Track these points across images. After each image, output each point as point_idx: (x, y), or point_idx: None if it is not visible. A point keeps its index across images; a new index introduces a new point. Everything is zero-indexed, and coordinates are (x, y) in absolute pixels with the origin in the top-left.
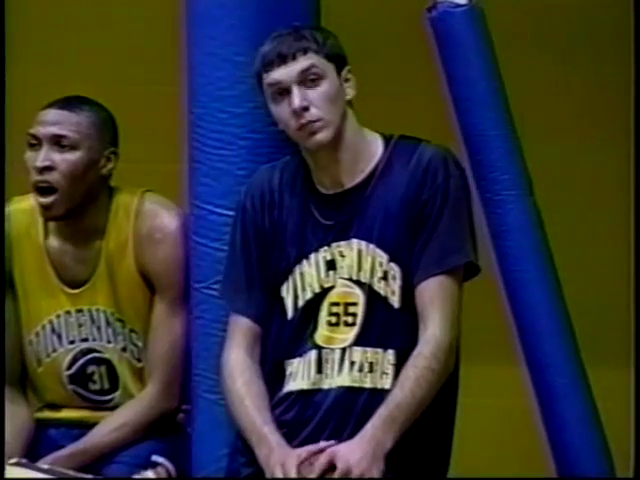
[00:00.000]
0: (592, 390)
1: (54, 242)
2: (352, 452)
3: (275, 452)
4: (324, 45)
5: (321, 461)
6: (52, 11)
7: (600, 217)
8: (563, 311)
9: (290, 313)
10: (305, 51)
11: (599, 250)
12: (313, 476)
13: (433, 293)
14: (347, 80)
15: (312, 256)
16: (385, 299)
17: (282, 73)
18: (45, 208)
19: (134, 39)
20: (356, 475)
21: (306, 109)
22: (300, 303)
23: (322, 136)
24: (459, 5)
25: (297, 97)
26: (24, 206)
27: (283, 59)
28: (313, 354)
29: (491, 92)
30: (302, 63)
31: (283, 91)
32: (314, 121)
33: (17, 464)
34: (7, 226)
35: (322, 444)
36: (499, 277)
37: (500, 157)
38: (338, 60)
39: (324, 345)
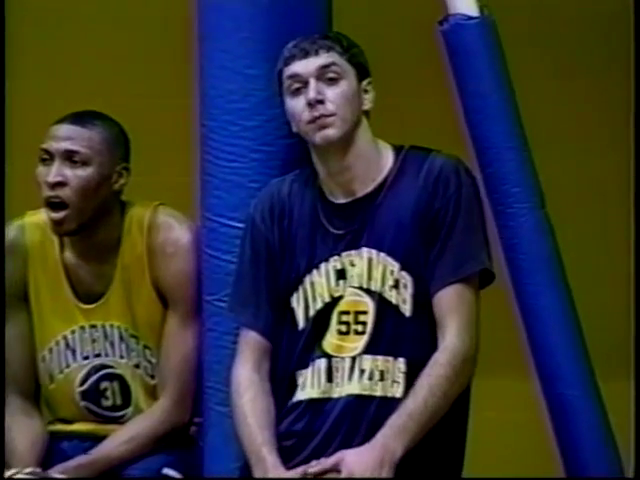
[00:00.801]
0: (604, 402)
1: (70, 257)
2: (359, 459)
3: (269, 474)
4: (348, 49)
5: (328, 462)
6: (63, 23)
7: (603, 226)
8: (575, 323)
9: (301, 323)
10: (328, 49)
11: (601, 261)
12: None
13: (450, 302)
14: (366, 91)
15: (322, 266)
16: (396, 307)
17: (302, 65)
18: (56, 223)
19: (146, 52)
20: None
21: (321, 102)
22: (311, 313)
23: (331, 132)
24: (471, 18)
25: (313, 89)
26: (37, 220)
27: (305, 53)
28: (323, 363)
29: (503, 105)
30: (323, 59)
31: (301, 85)
32: (327, 115)
33: (32, 473)
34: (21, 239)
35: (320, 463)
36: (511, 289)
37: (512, 170)
38: (360, 68)
39: (334, 354)
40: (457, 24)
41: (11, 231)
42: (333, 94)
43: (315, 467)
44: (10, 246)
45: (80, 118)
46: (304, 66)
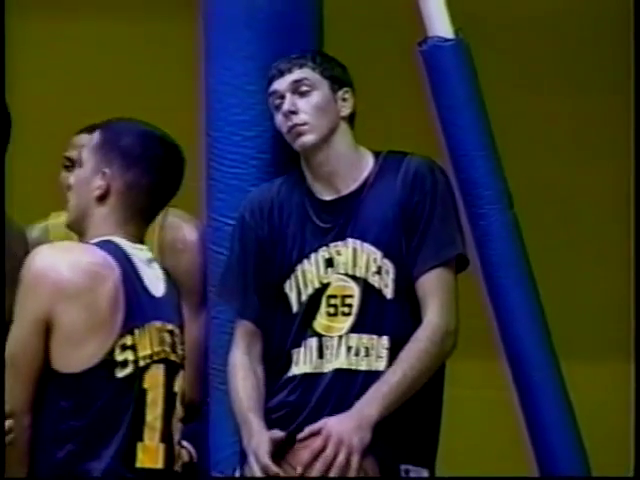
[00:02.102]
0: (565, 383)
1: None
2: (339, 423)
3: (254, 438)
4: (321, 64)
5: (313, 427)
6: (73, 32)
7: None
8: (539, 312)
9: (295, 307)
10: (301, 66)
11: (600, 251)
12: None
13: (431, 284)
14: (344, 100)
15: (312, 256)
16: (379, 291)
17: (279, 83)
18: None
19: (157, 71)
20: (336, 441)
21: (294, 112)
22: (303, 298)
23: (306, 138)
24: (447, 40)
25: (287, 102)
26: (61, 221)
27: (281, 72)
28: (314, 341)
29: (475, 118)
30: (296, 74)
31: (281, 100)
32: (300, 124)
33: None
34: (45, 239)
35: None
36: (482, 281)
37: (483, 175)
38: (334, 80)
39: (324, 333)
40: (434, 45)
41: (35, 231)
42: (305, 105)
43: (302, 434)
44: (35, 245)
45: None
46: (280, 83)
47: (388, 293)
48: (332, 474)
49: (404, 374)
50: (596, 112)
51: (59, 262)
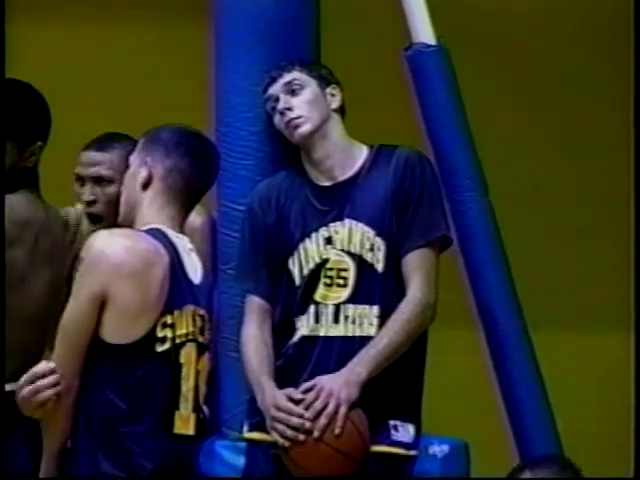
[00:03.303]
0: (535, 351)
1: None
2: (331, 379)
3: (267, 395)
4: (308, 67)
5: (308, 384)
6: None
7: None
8: (510, 286)
9: (297, 281)
10: (290, 70)
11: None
12: (299, 396)
13: (415, 261)
14: (333, 95)
15: (313, 235)
16: (371, 265)
17: (273, 88)
18: None
19: (171, 73)
20: (326, 394)
21: (289, 109)
22: (305, 272)
23: (302, 129)
24: (429, 46)
25: (282, 101)
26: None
27: (273, 78)
28: (312, 308)
29: (454, 115)
30: (286, 77)
31: (276, 102)
32: (296, 118)
33: None
34: (82, 219)
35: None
36: (461, 259)
37: (462, 166)
38: (321, 78)
39: (321, 301)
40: (418, 51)
41: (72, 213)
42: (298, 101)
43: (299, 389)
44: (75, 225)
45: (101, 144)
46: (274, 88)
47: (379, 267)
48: (321, 422)
49: (390, 340)
50: (564, 107)
51: (118, 245)
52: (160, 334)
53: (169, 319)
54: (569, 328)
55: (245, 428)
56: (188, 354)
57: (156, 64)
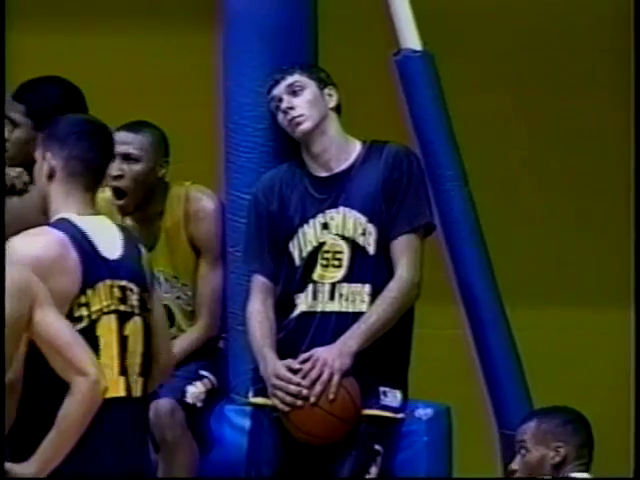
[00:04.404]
0: (510, 324)
1: (128, 223)
2: (325, 351)
3: (269, 365)
4: (307, 70)
5: (305, 355)
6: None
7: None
8: (488, 264)
9: (297, 261)
10: (291, 73)
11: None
12: (297, 366)
13: (402, 245)
14: (330, 95)
15: (311, 221)
16: (363, 248)
17: (276, 89)
18: (120, 208)
19: (183, 75)
20: (321, 363)
21: (292, 108)
22: (304, 254)
23: (303, 126)
24: (416, 51)
25: (285, 102)
26: (105, 196)
27: (277, 81)
28: (310, 287)
29: (438, 114)
30: (288, 80)
31: (280, 102)
32: (297, 116)
33: None
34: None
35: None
36: (443, 242)
37: (445, 159)
38: (320, 80)
39: (318, 280)
40: (406, 56)
41: None
42: (299, 101)
43: (297, 360)
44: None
45: (133, 126)
46: (277, 89)
47: (371, 250)
48: (317, 389)
49: (379, 316)
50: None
51: (32, 244)
52: (76, 314)
53: (83, 299)
54: (569, 304)
55: (250, 393)
56: (105, 326)
57: (160, 70)
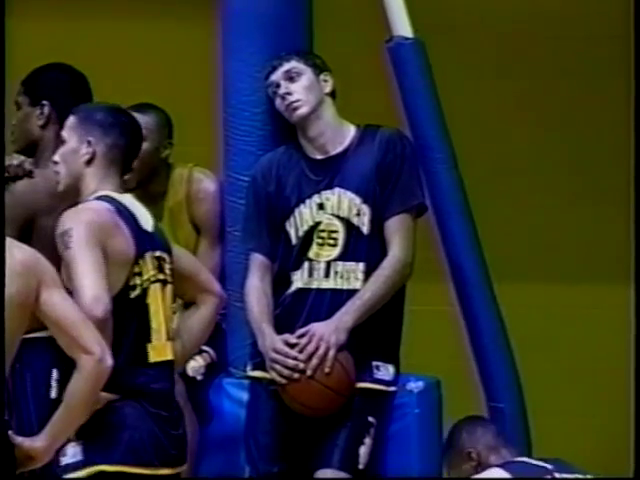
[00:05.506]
0: (497, 300)
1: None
2: (321, 326)
3: (267, 339)
4: (304, 56)
5: (302, 330)
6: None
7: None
8: (476, 243)
9: (294, 240)
10: (289, 59)
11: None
12: (294, 340)
13: (395, 225)
14: (326, 81)
15: (307, 201)
16: (358, 228)
17: (274, 75)
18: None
19: (183, 60)
20: (317, 338)
21: (289, 94)
22: (300, 233)
23: (300, 111)
24: (407, 39)
25: (283, 87)
26: None
27: (275, 67)
28: (306, 264)
29: (429, 99)
30: (286, 66)
31: (277, 88)
32: (294, 101)
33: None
34: None
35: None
36: (435, 223)
37: (436, 143)
38: (316, 67)
39: (314, 258)
40: (398, 43)
41: None
42: (296, 87)
43: (294, 335)
44: None
45: (139, 108)
46: (275, 75)
47: (365, 230)
48: (313, 363)
49: (372, 293)
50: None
51: (92, 212)
52: (131, 282)
53: (136, 268)
54: (571, 280)
55: (248, 367)
56: (154, 294)
57: (159, 56)
